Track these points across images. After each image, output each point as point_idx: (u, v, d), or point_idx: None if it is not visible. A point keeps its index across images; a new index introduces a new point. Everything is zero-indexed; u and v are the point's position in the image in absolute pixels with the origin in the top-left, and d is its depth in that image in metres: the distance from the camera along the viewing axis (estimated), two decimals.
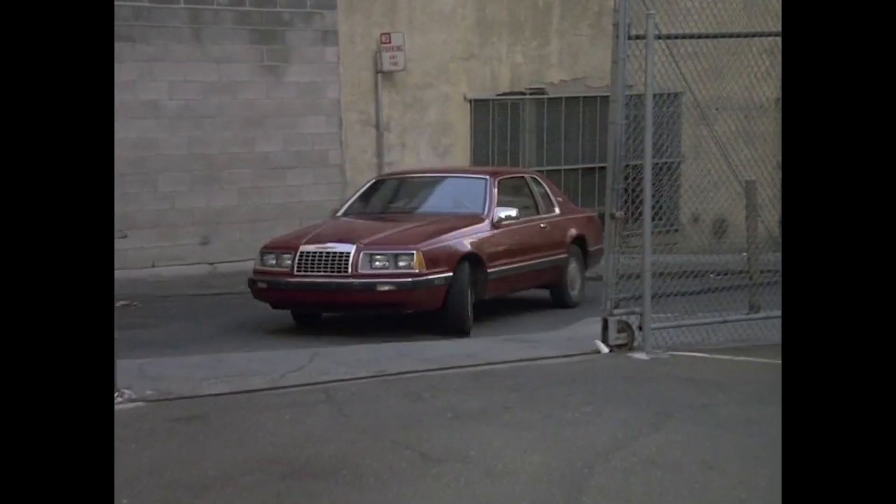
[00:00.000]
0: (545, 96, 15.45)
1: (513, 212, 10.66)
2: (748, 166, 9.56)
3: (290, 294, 9.74)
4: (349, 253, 9.44)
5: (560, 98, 15.49)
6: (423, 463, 5.45)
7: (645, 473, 5.24)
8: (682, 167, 13.28)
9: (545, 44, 15.46)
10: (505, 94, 15.26)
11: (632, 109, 8.46)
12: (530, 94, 15.39)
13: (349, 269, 9.37)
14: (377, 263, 9.42)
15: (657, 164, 8.74)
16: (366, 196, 11.44)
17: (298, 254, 9.58)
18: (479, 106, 15.14)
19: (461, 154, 14.98)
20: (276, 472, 5.34)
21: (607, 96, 8.91)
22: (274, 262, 9.77)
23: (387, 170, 14.00)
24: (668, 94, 9.17)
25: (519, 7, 15.27)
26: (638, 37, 8.28)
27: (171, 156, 13.26)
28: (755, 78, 9.51)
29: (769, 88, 10.05)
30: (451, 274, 9.53)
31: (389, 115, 14.59)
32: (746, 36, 9.55)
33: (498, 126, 15.24)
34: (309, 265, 9.51)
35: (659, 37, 8.30)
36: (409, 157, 14.67)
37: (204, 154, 13.44)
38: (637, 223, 8.52)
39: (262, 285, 9.81)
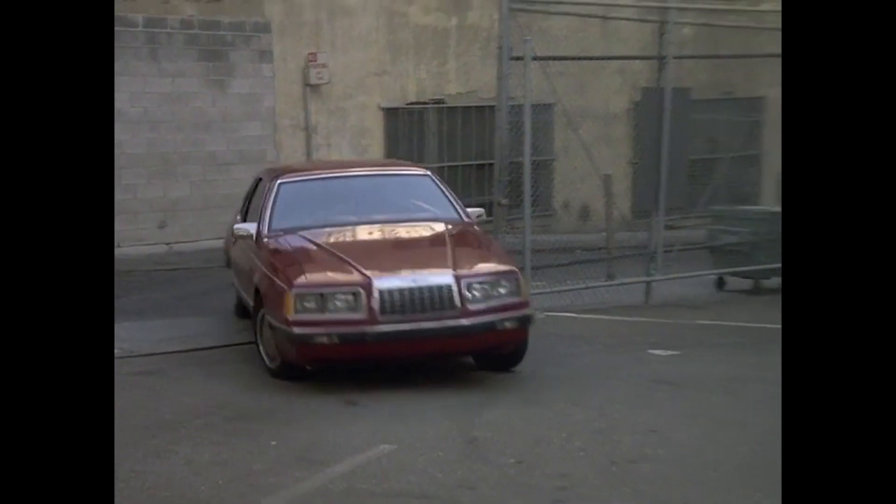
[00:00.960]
0: (445, 105, 15.44)
1: (481, 210, 7.30)
2: (606, 163, 9.77)
3: (377, 349, 5.64)
4: (449, 285, 5.66)
5: (457, 107, 15.49)
6: (345, 407, 5.45)
7: (523, 410, 5.33)
8: (554, 164, 13.40)
9: (444, 63, 15.44)
10: (412, 103, 15.21)
11: (514, 117, 8.52)
12: (432, 104, 15.36)
13: (458, 305, 5.65)
14: (476, 294, 5.73)
15: (535, 161, 8.82)
16: (285, 203, 6.84)
17: (378, 292, 5.60)
18: (390, 113, 15.05)
19: (377, 152, 14.89)
20: (223, 415, 5.30)
21: (494, 106, 8.94)
22: (320, 306, 5.63)
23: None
24: (543, 105, 9.24)
25: (422, 33, 15.22)
26: (518, 58, 8.34)
27: (133, 154, 12.97)
28: (611, 92, 9.70)
29: (621, 101, 10.29)
30: None
31: (316, 121, 14.43)
32: (603, 59, 9.74)
33: (406, 130, 15.19)
34: (397, 306, 5.62)
35: (535, 58, 8.37)
36: (334, 155, 14.53)
37: (160, 153, 13.18)
38: (519, 209, 8.61)
39: (325, 340, 5.57)
